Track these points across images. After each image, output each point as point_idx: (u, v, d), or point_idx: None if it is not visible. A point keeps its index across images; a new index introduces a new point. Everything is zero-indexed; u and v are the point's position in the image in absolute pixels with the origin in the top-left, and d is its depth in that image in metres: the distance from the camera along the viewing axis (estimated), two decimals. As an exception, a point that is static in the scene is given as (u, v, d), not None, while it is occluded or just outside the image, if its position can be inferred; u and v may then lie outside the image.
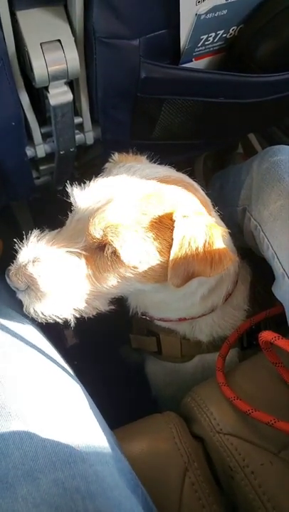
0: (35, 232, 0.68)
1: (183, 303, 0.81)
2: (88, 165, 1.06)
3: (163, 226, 0.65)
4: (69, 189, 0.69)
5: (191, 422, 0.74)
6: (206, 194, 0.77)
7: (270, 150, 0.88)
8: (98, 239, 0.65)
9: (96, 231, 0.64)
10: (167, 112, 0.86)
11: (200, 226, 0.64)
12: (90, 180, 0.71)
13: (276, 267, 0.78)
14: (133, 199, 0.65)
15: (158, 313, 0.87)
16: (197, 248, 0.63)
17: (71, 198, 0.69)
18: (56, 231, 0.69)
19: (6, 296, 0.70)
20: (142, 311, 0.88)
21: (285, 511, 0.61)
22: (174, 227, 0.64)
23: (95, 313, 0.72)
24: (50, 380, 0.57)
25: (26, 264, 0.65)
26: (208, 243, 0.64)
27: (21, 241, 0.69)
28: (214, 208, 0.77)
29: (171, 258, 0.64)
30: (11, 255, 0.69)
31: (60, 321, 0.68)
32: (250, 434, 0.67)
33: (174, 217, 0.64)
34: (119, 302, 0.77)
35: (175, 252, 0.63)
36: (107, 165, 0.80)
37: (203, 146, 1.12)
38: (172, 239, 0.64)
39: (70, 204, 0.71)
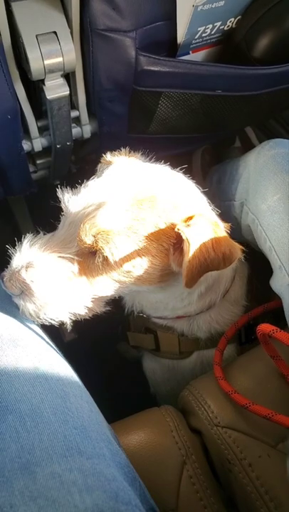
0: (29, 237, 0.68)
1: (180, 302, 0.80)
2: (85, 159, 1.06)
3: (156, 229, 0.65)
4: (59, 194, 0.69)
5: (189, 416, 0.74)
6: (203, 191, 0.76)
7: (268, 144, 0.88)
8: (89, 245, 0.65)
9: (87, 237, 0.64)
10: (164, 105, 0.85)
11: (206, 228, 0.64)
12: (87, 176, 0.71)
13: (273, 260, 0.78)
14: (125, 204, 0.65)
15: (155, 313, 0.87)
16: (208, 250, 0.63)
17: (62, 204, 0.69)
18: (49, 235, 0.69)
19: (2, 291, 0.69)
20: (139, 310, 0.88)
21: (282, 503, 0.61)
22: (170, 231, 0.65)
23: (91, 315, 0.72)
24: (47, 374, 0.57)
25: (19, 270, 0.65)
26: (216, 242, 0.64)
27: (18, 237, 0.69)
28: (211, 205, 0.77)
29: (184, 267, 0.63)
30: (8, 251, 0.69)
31: (55, 323, 0.69)
32: (248, 427, 0.67)
33: (176, 229, 0.64)
34: (117, 300, 0.77)
35: (189, 261, 0.62)
36: (98, 166, 0.79)
37: (201, 139, 1.11)
38: (168, 244, 0.65)
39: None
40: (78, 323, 0.72)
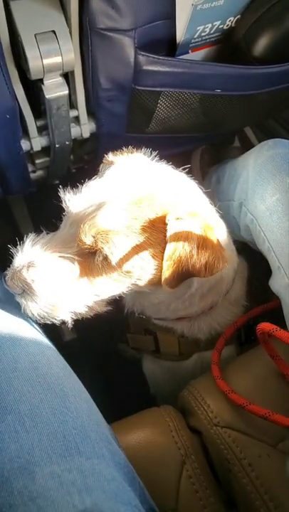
0: (31, 237, 0.69)
1: (182, 303, 0.80)
2: (84, 159, 1.06)
3: (155, 230, 0.65)
4: (61, 194, 0.69)
5: (189, 415, 0.74)
6: (204, 192, 0.76)
7: (266, 144, 0.88)
8: (89, 245, 0.65)
9: (86, 238, 0.64)
10: (164, 104, 0.85)
11: (194, 228, 0.64)
12: (86, 176, 0.70)
13: (272, 260, 0.78)
14: (124, 203, 0.65)
15: (156, 314, 0.87)
16: (190, 251, 0.63)
17: (63, 203, 0.70)
18: (51, 234, 0.70)
19: (1, 291, 0.69)
20: (139, 311, 0.87)
21: (282, 503, 0.61)
22: (166, 230, 0.64)
23: (92, 314, 0.72)
24: (46, 374, 0.57)
25: (21, 269, 0.66)
26: (202, 245, 0.64)
27: (18, 237, 0.69)
28: (214, 205, 0.76)
29: (164, 262, 0.64)
30: (7, 250, 0.69)
31: (57, 322, 0.69)
32: (248, 427, 0.67)
33: (166, 220, 0.64)
34: (117, 300, 0.77)
35: (168, 255, 0.63)
36: (101, 166, 0.79)
37: (200, 139, 1.11)
38: (166, 242, 0.64)
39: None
40: (78, 323, 0.72)
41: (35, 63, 0.67)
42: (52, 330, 0.71)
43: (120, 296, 0.79)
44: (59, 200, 0.70)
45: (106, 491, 0.45)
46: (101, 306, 0.73)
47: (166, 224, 0.64)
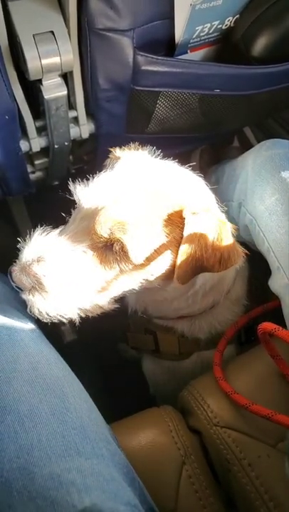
0: (39, 230, 0.66)
1: (184, 301, 0.80)
2: (83, 159, 1.06)
3: (171, 223, 0.65)
4: (71, 186, 0.68)
5: (188, 415, 0.74)
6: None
7: (265, 144, 0.88)
8: (105, 238, 0.63)
9: (103, 230, 0.63)
10: (163, 104, 0.85)
11: (210, 222, 0.64)
12: (87, 176, 0.70)
13: (272, 261, 0.78)
14: (140, 196, 0.64)
15: (157, 312, 0.87)
16: (206, 245, 0.63)
17: (74, 196, 0.68)
18: (59, 229, 0.68)
19: (0, 291, 0.69)
20: (141, 309, 0.87)
21: (282, 503, 0.61)
22: (183, 224, 0.64)
23: (99, 312, 0.71)
24: (45, 374, 0.57)
25: (31, 264, 0.63)
26: (218, 239, 0.64)
27: (18, 237, 0.68)
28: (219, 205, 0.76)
29: (180, 256, 0.63)
30: (7, 252, 0.68)
31: (64, 320, 0.67)
32: (247, 427, 0.67)
33: (183, 215, 0.63)
34: (118, 300, 0.77)
35: (184, 250, 0.62)
36: (108, 161, 0.78)
37: (200, 139, 1.11)
38: (181, 236, 0.64)
39: (68, 200, 0.70)
40: (78, 324, 0.71)
41: (33, 64, 0.68)
42: (52, 331, 0.71)
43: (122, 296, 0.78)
44: (59, 202, 0.69)
45: (105, 491, 0.45)
46: (109, 303, 0.71)
47: (183, 218, 0.64)
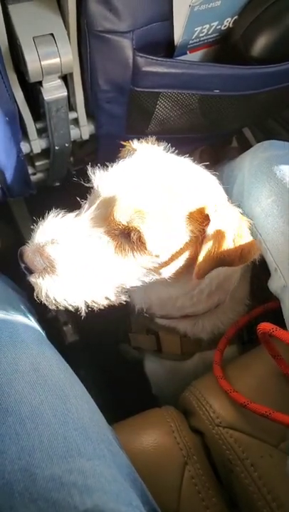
0: (53, 213, 0.64)
1: (189, 300, 0.80)
2: (84, 160, 1.06)
3: (191, 218, 0.65)
4: (90, 171, 0.66)
5: (190, 416, 0.74)
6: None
7: (261, 146, 0.88)
8: (123, 225, 0.62)
9: (122, 217, 0.62)
10: (162, 105, 0.85)
11: (231, 219, 0.64)
12: (86, 178, 0.70)
13: (270, 262, 0.78)
14: (160, 187, 0.64)
15: (161, 310, 0.86)
16: (229, 241, 0.63)
17: (92, 181, 0.67)
18: (74, 214, 0.66)
19: (1, 291, 0.69)
20: (146, 307, 0.87)
21: (285, 503, 0.61)
22: (202, 220, 0.64)
23: (106, 304, 0.69)
24: (46, 375, 0.57)
25: (44, 245, 0.61)
26: (239, 235, 0.64)
27: (18, 239, 0.67)
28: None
29: (203, 251, 0.63)
30: (8, 252, 0.68)
31: (71, 308, 0.65)
32: (250, 427, 0.67)
33: (206, 212, 0.64)
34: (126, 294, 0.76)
35: (209, 246, 0.62)
36: (123, 151, 0.77)
37: (199, 140, 1.11)
38: (199, 231, 0.64)
39: (69, 200, 0.70)
40: (79, 325, 0.71)
41: (33, 66, 0.68)
42: (54, 332, 0.71)
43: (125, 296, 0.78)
44: (60, 203, 0.67)
45: (107, 491, 0.45)
46: (118, 295, 0.69)
47: (203, 215, 0.64)
